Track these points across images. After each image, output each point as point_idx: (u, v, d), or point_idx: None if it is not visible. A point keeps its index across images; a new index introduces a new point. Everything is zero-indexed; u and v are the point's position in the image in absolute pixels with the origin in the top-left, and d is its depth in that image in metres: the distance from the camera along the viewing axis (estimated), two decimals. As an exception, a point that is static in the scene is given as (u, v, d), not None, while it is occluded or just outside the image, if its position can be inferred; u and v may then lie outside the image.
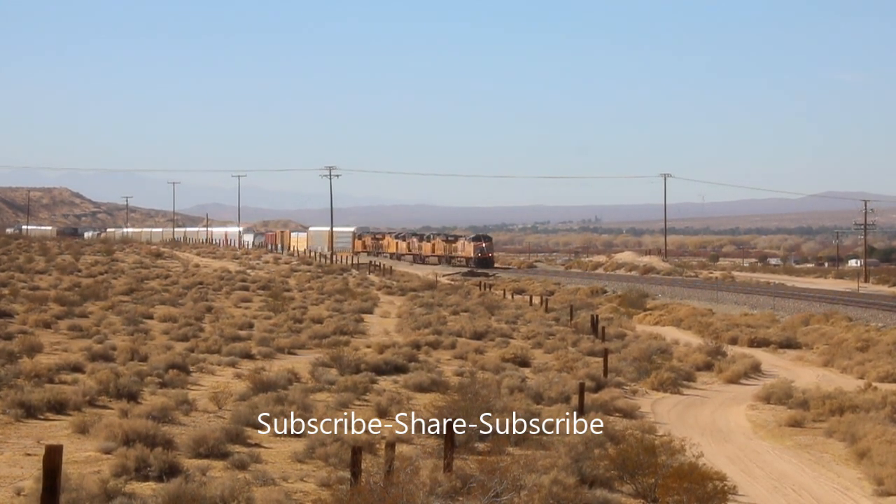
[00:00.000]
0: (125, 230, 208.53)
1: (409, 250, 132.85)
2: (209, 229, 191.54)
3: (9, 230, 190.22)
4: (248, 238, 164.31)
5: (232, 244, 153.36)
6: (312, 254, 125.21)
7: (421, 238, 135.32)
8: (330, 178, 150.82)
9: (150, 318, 46.76)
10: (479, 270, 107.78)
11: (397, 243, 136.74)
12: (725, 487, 18.81)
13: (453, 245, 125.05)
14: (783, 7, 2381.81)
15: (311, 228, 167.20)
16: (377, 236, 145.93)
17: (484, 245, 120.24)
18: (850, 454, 24.61)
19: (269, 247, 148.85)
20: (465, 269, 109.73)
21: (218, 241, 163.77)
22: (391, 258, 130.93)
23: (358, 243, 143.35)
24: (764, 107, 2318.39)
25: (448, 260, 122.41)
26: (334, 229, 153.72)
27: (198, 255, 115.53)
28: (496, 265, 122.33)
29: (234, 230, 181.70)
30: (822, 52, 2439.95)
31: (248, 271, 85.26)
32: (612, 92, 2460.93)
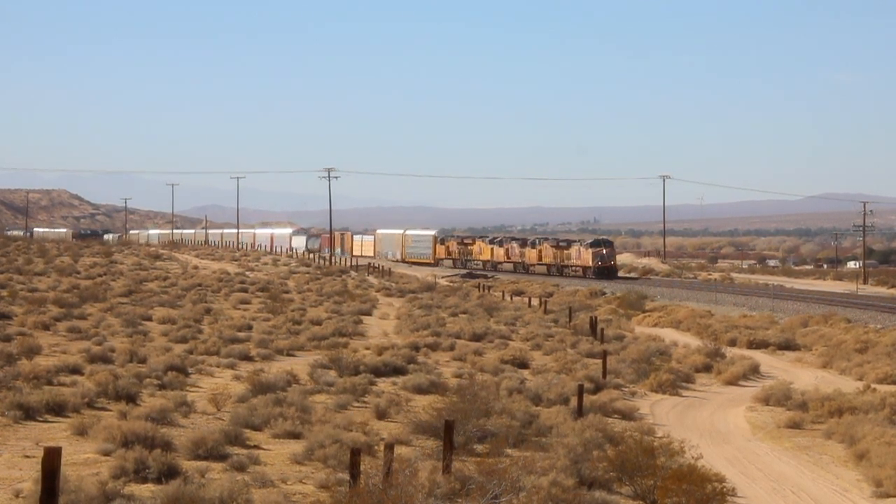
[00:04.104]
0: (150, 232, 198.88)
1: (509, 258, 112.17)
2: (254, 231, 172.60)
3: (16, 232, 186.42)
4: (299, 242, 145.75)
5: (280, 249, 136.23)
6: (381, 261, 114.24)
7: (524, 244, 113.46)
8: (329, 180, 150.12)
9: (149, 319, 46.73)
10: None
11: (492, 249, 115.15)
12: (724, 489, 18.85)
13: (566, 252, 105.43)
14: (782, 7, 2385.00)
15: (379, 231, 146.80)
16: (465, 241, 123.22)
17: (605, 251, 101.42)
18: (849, 456, 24.63)
19: (326, 251, 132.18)
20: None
21: (262, 246, 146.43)
22: (484, 267, 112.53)
23: (440, 249, 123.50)
24: (763, 108, 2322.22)
25: (560, 270, 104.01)
26: (409, 232, 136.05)
27: (196, 256, 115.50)
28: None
29: (282, 232, 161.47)
30: (820, 52, 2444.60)
31: (247, 273, 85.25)
32: (612, 93, 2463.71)
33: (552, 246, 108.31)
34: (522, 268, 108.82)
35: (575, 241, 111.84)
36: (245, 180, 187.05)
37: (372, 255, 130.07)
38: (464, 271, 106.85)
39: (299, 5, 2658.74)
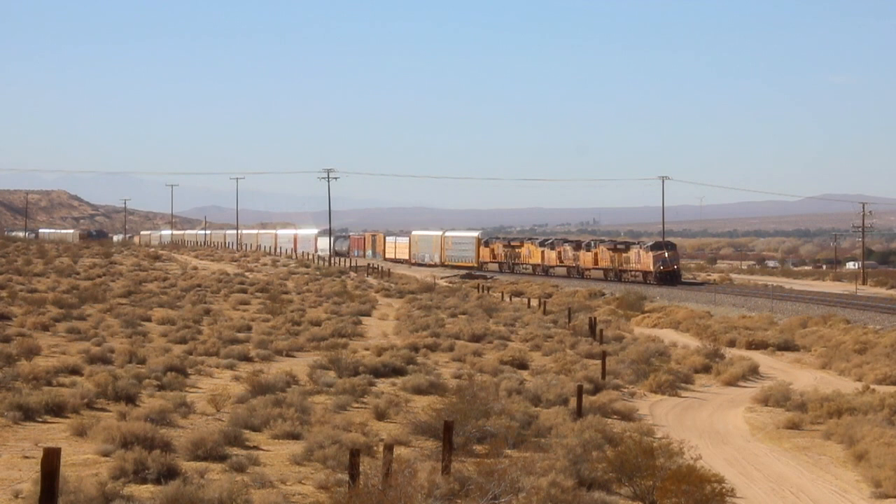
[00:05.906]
0: (163, 232, 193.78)
1: (561, 261, 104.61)
2: (276, 232, 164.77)
3: (20, 233, 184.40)
4: (326, 243, 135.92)
5: (304, 252, 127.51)
6: (417, 263, 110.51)
7: (577, 246, 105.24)
8: (328, 181, 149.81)
9: (149, 320, 46.75)
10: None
11: (543, 252, 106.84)
12: (724, 490, 18.86)
13: (624, 255, 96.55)
14: (781, 9, 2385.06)
15: (415, 232, 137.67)
16: (512, 243, 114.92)
17: (667, 255, 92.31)
18: (848, 456, 24.65)
19: (356, 253, 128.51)
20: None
21: (284, 249, 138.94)
22: (534, 272, 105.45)
23: (484, 251, 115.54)
24: (762, 109, 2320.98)
25: (618, 275, 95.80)
26: (449, 234, 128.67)
27: (195, 257, 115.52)
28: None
29: (306, 233, 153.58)
30: (820, 53, 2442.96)
31: (247, 274, 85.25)
32: (611, 93, 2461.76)
33: (609, 249, 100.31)
34: (577, 272, 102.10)
35: (634, 243, 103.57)
36: (244, 181, 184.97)
37: (407, 257, 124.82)
38: (463, 273, 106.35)
39: (300, 5, 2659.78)
